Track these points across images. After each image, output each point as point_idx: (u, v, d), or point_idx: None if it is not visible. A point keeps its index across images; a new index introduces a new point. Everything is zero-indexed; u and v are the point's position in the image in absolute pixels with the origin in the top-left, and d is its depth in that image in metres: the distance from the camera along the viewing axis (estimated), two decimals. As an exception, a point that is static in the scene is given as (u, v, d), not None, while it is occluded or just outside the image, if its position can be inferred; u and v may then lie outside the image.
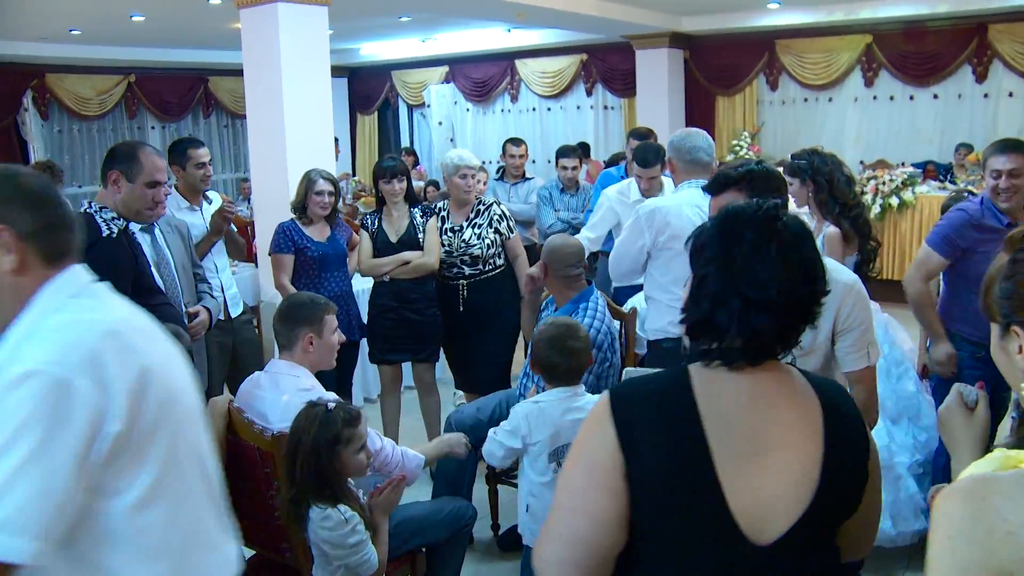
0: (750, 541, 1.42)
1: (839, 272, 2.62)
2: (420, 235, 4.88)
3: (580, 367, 3.10)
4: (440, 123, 14.29)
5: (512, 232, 5.02)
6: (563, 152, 6.94)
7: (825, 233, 3.92)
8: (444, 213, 5.01)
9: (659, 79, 12.03)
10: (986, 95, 10.69)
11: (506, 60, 13.91)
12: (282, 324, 3.15)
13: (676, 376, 1.50)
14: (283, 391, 3.01)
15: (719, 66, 12.25)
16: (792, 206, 4.82)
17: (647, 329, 3.77)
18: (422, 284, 4.93)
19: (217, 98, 14.29)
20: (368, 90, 15.02)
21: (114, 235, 3.30)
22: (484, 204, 5.01)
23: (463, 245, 4.89)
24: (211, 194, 5.00)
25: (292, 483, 2.66)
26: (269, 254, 4.90)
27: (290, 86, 6.42)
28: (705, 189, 2.79)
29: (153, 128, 13.76)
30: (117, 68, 12.91)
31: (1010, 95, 10.56)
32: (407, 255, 4.84)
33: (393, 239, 4.88)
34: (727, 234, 1.49)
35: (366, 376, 6.37)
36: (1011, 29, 10.26)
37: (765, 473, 1.43)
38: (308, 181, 4.82)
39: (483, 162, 14.24)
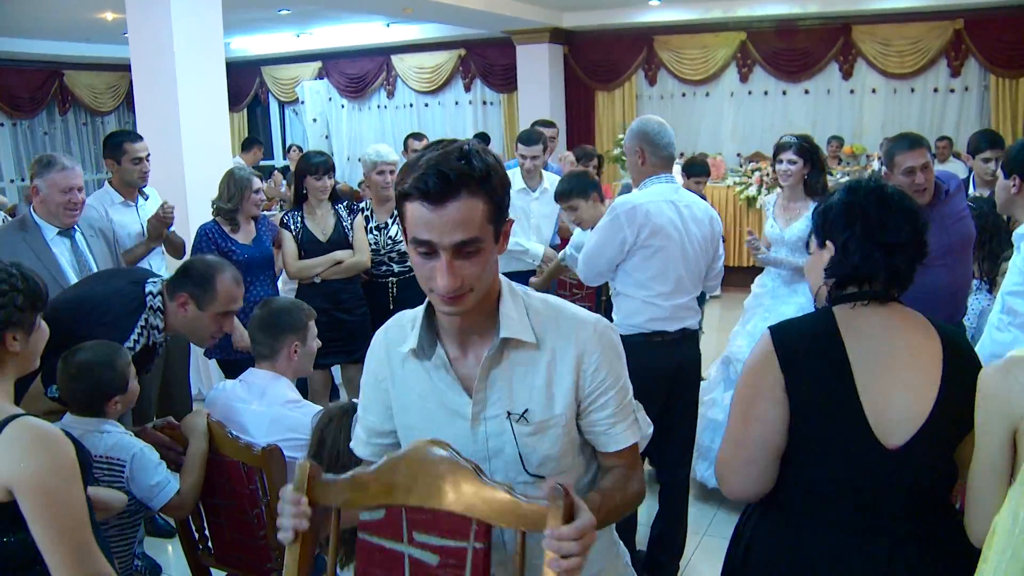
0: (882, 445, 1.76)
1: (574, 310, 1.73)
2: (349, 233, 4.77)
3: None
4: (314, 120, 14.01)
5: None
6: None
7: (815, 209, 4.11)
8: (368, 212, 4.92)
9: (540, 74, 12.16)
10: (852, 91, 11.38)
11: (382, 55, 13.75)
12: (264, 333, 2.96)
13: (823, 314, 1.88)
14: (270, 402, 2.84)
15: (599, 62, 12.47)
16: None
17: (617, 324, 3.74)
18: (351, 283, 4.82)
19: (74, 94, 13.34)
20: (237, 86, 14.31)
21: None
22: None
23: (390, 242, 4.82)
24: (148, 190, 4.74)
25: None
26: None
27: (185, 79, 6.09)
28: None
29: (2, 125, 12.74)
30: (-43, 59, 11.96)
31: (873, 91, 11.30)
32: (339, 255, 4.73)
33: (322, 239, 4.74)
34: (859, 202, 1.87)
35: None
36: (872, 30, 10.97)
37: (894, 388, 1.77)
38: (243, 181, 4.56)
39: (359, 159, 14.19)
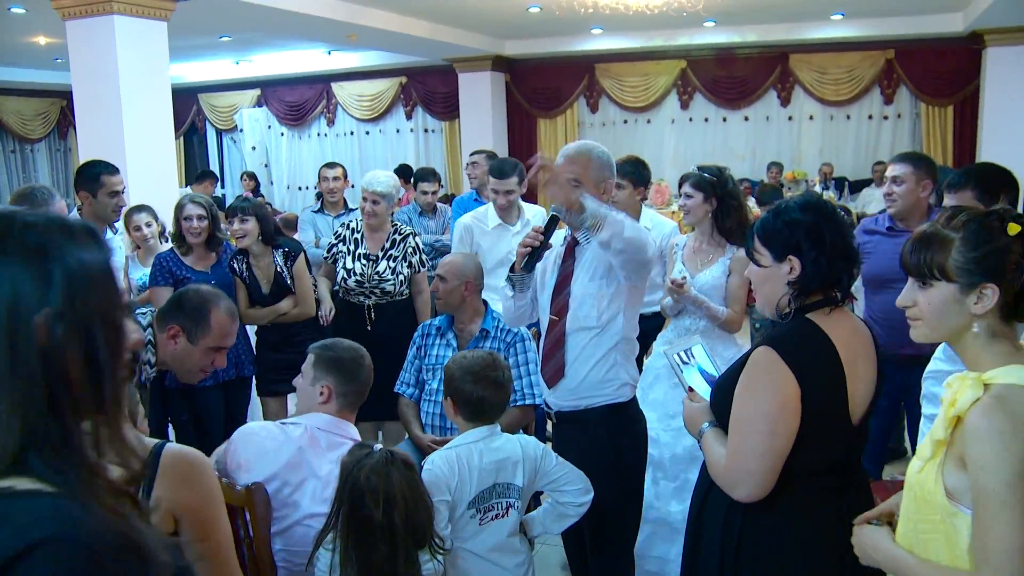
0: (852, 424, 2.07)
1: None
2: (289, 280, 4.60)
3: (505, 401, 2.85)
4: (253, 148, 13.95)
5: (423, 267, 4.82)
6: (422, 176, 6.89)
7: (735, 256, 3.73)
8: (358, 236, 4.78)
9: (482, 102, 12.26)
10: (790, 118, 11.80)
11: (323, 83, 13.77)
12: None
13: (804, 323, 2.10)
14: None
15: (540, 89, 12.66)
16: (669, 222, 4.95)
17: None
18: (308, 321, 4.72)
19: (2, 120, 13.02)
20: (173, 114, 14.10)
21: None
22: (401, 234, 4.76)
23: (376, 277, 4.67)
24: (116, 224, 4.60)
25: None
26: (149, 286, 4.61)
27: (130, 106, 6.09)
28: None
29: (-79, 154, 12.41)
30: None
31: (811, 118, 11.74)
32: (282, 307, 4.61)
33: (265, 290, 4.61)
34: (824, 220, 2.10)
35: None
36: (809, 59, 11.41)
37: (858, 379, 2.07)
38: (177, 207, 4.56)
39: (299, 188, 14.14)
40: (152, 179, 6.17)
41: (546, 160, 2.89)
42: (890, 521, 1.88)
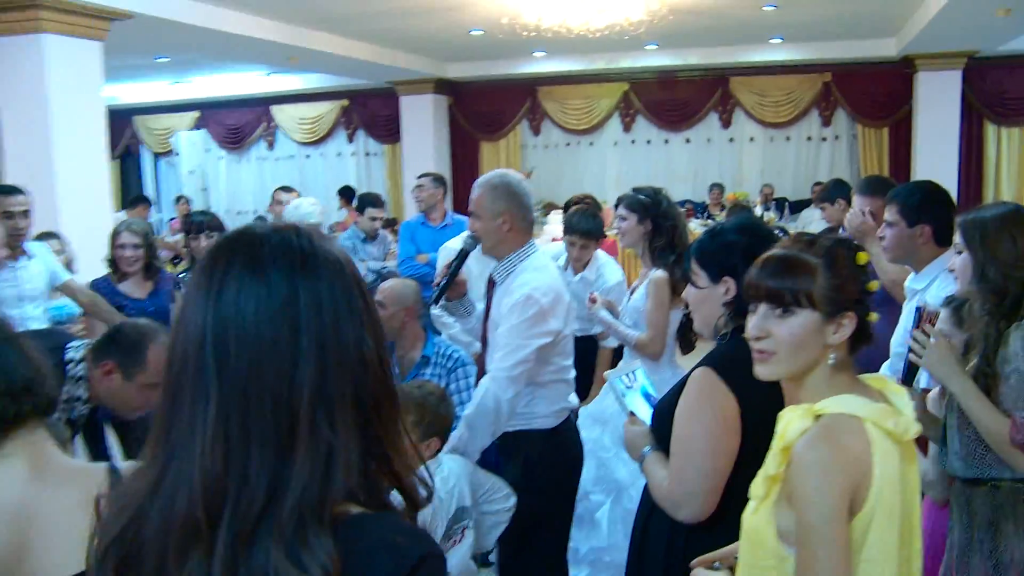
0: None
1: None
2: None
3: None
4: (191, 172, 13.69)
5: None
6: (370, 201, 6.76)
7: (652, 278, 3.70)
8: None
9: (424, 125, 12.23)
10: (731, 140, 11.99)
11: (262, 105, 13.63)
12: None
13: (744, 344, 1.87)
14: None
15: (483, 112, 12.67)
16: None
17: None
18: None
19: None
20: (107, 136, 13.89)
21: None
22: None
23: None
24: (34, 246, 4.41)
25: None
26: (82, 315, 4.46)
27: (60, 127, 5.95)
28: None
29: None
30: None
31: (751, 140, 11.94)
32: None
33: None
34: (760, 242, 2.01)
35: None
36: (749, 82, 11.61)
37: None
38: (112, 234, 4.49)
39: (238, 212, 13.93)
40: (85, 204, 6.02)
41: None
42: (732, 566, 1.82)
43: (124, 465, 2.00)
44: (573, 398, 3.18)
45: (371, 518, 0.99)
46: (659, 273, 3.66)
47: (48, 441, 1.61)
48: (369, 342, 1.01)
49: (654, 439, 2.20)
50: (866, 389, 1.68)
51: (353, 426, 0.98)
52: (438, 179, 6.39)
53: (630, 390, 2.37)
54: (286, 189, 7.16)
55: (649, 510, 2.21)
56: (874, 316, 1.70)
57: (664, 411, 2.16)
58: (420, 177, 6.35)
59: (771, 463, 1.63)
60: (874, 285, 1.71)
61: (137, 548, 0.98)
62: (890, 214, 3.14)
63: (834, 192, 5.44)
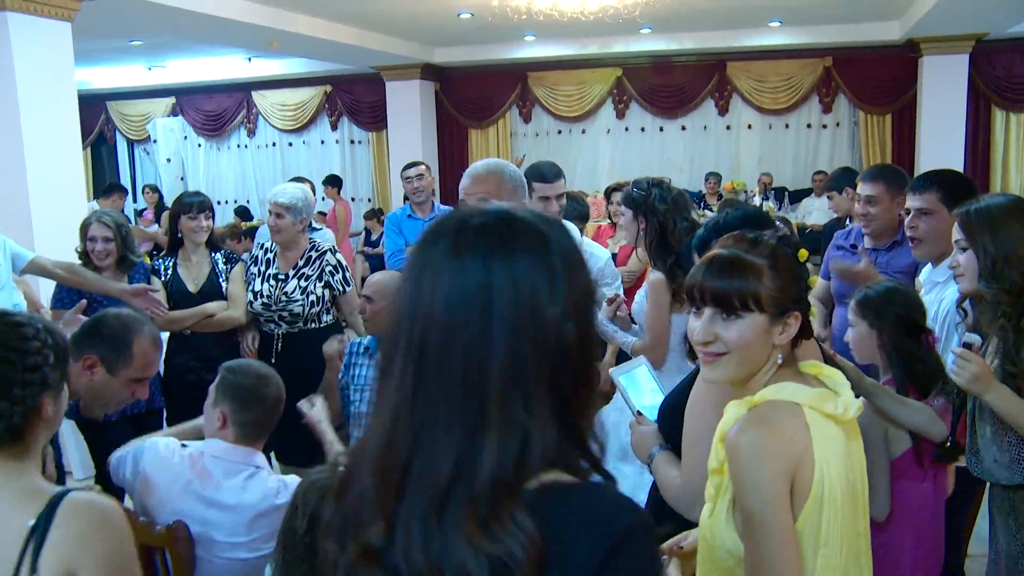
0: None
1: None
2: (224, 283, 4.43)
3: None
4: (168, 160, 13.48)
5: (348, 286, 4.46)
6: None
7: (649, 279, 3.53)
8: (271, 255, 4.46)
9: (411, 112, 12.02)
10: (728, 127, 11.76)
11: (242, 91, 13.37)
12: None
13: None
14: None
15: (472, 98, 12.43)
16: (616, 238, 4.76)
17: None
18: (225, 338, 4.42)
19: None
20: (79, 122, 13.58)
21: None
22: (317, 251, 4.42)
23: (284, 299, 4.31)
24: None
25: None
26: (50, 309, 4.30)
27: (31, 113, 5.74)
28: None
29: None
30: None
31: (749, 127, 11.71)
32: (210, 307, 4.38)
33: (192, 289, 4.40)
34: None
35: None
36: (747, 67, 11.38)
37: None
38: (82, 225, 4.29)
39: (218, 202, 13.65)
40: (57, 193, 5.81)
41: None
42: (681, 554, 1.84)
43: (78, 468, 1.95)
44: None
45: (576, 489, 1.00)
46: (656, 275, 3.44)
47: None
48: (570, 326, 1.00)
49: (663, 438, 2.11)
50: (803, 377, 1.70)
51: (549, 410, 0.99)
52: (428, 168, 6.16)
53: (635, 388, 2.24)
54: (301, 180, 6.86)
55: (658, 508, 2.11)
56: (814, 311, 1.74)
57: (673, 408, 2.07)
58: (414, 166, 6.01)
59: (712, 457, 1.66)
60: (813, 281, 1.73)
61: (330, 519, 1.07)
62: (927, 202, 3.01)
63: (842, 180, 5.29)
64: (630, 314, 3.63)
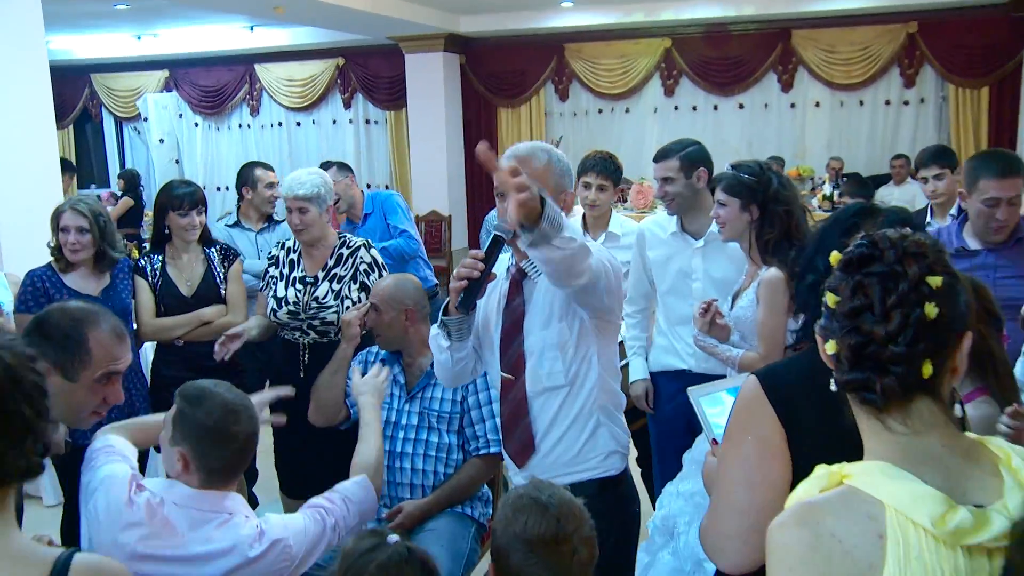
0: None
1: None
2: (222, 285, 4.24)
3: None
4: (161, 141, 13.18)
5: None
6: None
7: (763, 278, 3.22)
8: (294, 256, 4.11)
9: (433, 88, 11.59)
10: (793, 105, 11.03)
11: (244, 64, 13.06)
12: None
13: (800, 360, 1.86)
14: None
15: (501, 73, 11.97)
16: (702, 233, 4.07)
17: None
18: (224, 348, 4.24)
19: None
20: (60, 97, 13.01)
21: None
22: (348, 247, 4.06)
23: (313, 305, 3.97)
24: None
25: None
26: (14, 313, 4.03)
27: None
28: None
29: None
30: None
31: (817, 105, 10.96)
32: (206, 313, 4.17)
33: (185, 292, 4.19)
34: None
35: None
36: (815, 35, 10.60)
37: None
38: (54, 214, 4.00)
39: (217, 188, 12.97)
40: (27, 179, 5.32)
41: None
42: None
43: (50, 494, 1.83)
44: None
45: None
46: (773, 272, 3.20)
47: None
48: None
49: None
50: (957, 449, 1.33)
51: None
52: (343, 166, 5.82)
53: (717, 412, 2.12)
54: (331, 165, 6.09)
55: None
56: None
57: None
58: (324, 167, 5.16)
59: None
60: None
61: None
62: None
63: (941, 158, 4.82)
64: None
